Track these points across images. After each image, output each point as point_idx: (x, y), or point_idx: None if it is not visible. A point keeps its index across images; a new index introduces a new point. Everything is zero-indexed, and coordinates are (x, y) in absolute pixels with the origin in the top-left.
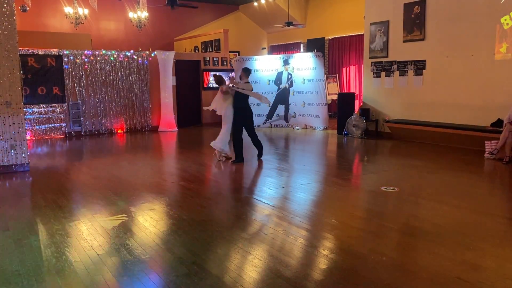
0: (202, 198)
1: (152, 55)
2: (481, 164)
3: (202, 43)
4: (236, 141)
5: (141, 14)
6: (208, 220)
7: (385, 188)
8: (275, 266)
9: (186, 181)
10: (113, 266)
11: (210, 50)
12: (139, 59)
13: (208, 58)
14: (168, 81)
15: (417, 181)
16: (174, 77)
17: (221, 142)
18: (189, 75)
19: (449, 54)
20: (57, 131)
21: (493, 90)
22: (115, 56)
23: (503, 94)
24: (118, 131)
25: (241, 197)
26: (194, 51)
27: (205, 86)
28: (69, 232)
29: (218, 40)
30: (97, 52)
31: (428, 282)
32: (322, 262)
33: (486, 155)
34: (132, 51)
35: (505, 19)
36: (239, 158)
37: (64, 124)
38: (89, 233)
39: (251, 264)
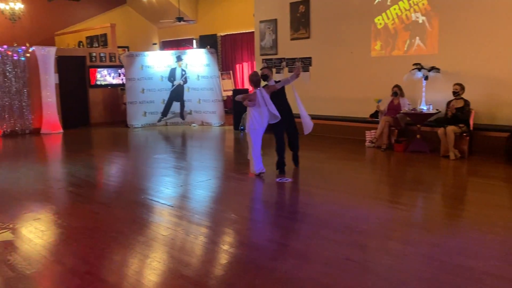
0: (94, 204)
1: (30, 50)
2: (363, 152)
3: (87, 38)
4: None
5: (14, 5)
6: (102, 226)
7: (280, 180)
8: (176, 267)
9: (75, 187)
10: None
11: (97, 46)
12: (15, 55)
13: (94, 54)
14: (49, 79)
15: (308, 171)
16: (57, 74)
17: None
18: (73, 72)
19: (332, 51)
20: None
21: (370, 84)
22: None
23: (379, 88)
24: None
25: (137, 200)
26: (78, 46)
27: (92, 83)
28: None
29: (105, 34)
30: None
31: (321, 265)
32: (223, 257)
33: (367, 143)
34: (5, 46)
35: (378, 19)
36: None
37: None
38: None
39: (150, 267)
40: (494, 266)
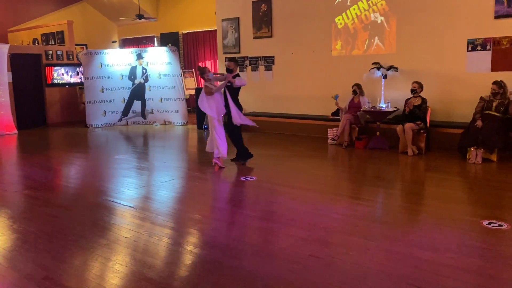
0: (52, 207)
1: None
2: (325, 150)
3: (42, 35)
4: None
5: None
6: (61, 230)
7: (244, 178)
8: (138, 269)
9: (32, 189)
10: None
11: (53, 43)
12: None
13: (51, 52)
14: (2, 78)
15: (272, 169)
16: (10, 73)
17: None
18: (28, 70)
19: (294, 50)
20: None
21: (332, 82)
22: None
23: (340, 86)
24: None
25: (98, 202)
26: (33, 43)
27: (48, 82)
28: None
29: (62, 32)
30: None
31: (285, 263)
32: (187, 258)
33: (329, 141)
34: None
35: (339, 19)
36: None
37: None
38: None
39: (112, 270)
40: (450, 258)
